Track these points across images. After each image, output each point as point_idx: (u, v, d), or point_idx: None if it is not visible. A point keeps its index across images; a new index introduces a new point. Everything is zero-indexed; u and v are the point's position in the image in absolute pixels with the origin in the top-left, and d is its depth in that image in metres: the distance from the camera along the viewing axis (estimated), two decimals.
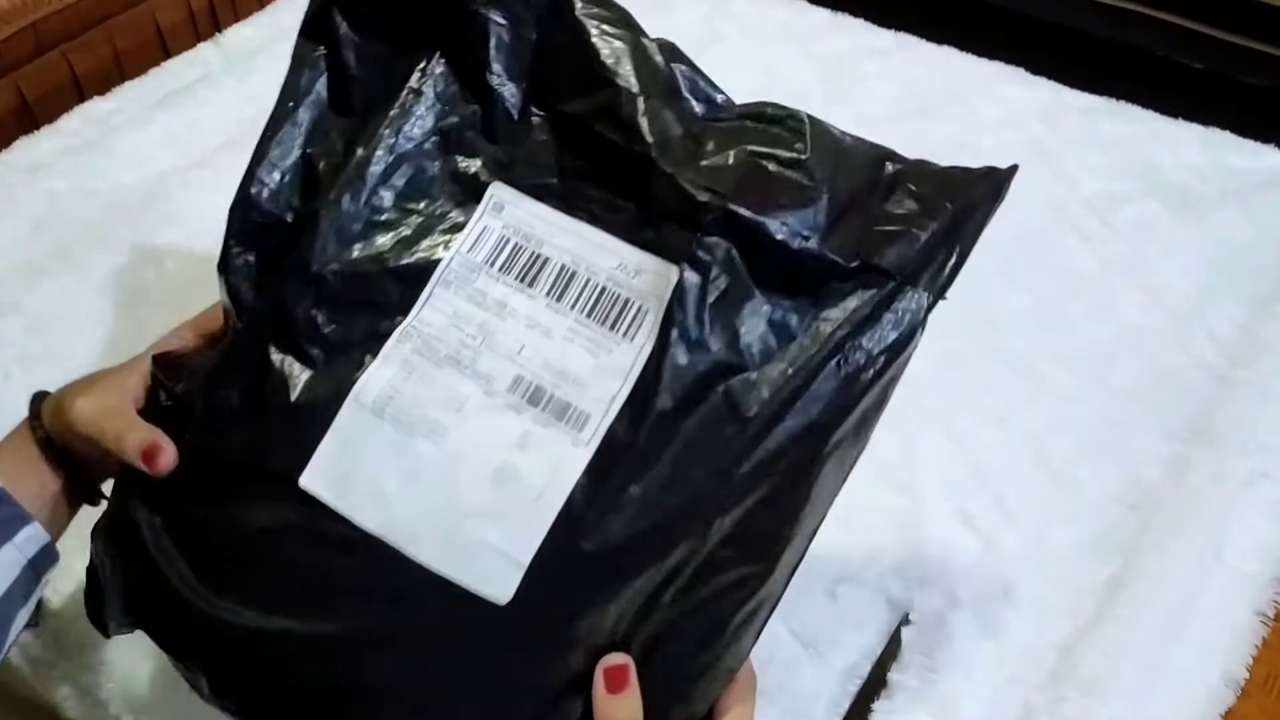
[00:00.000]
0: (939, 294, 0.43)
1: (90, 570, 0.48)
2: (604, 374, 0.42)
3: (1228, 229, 0.80)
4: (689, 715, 0.44)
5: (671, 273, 0.42)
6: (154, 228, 0.77)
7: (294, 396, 0.43)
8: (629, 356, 0.42)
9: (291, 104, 0.48)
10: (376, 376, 0.43)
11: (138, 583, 0.46)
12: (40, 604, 0.48)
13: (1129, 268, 0.77)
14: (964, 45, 0.95)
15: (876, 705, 0.56)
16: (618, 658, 0.42)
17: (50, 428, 0.48)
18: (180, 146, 0.83)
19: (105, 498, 0.50)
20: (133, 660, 0.56)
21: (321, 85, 0.48)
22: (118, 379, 0.48)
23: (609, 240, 0.44)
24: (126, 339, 0.70)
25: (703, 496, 0.41)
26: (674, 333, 0.42)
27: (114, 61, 0.93)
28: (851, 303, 0.42)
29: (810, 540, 0.45)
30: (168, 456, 0.45)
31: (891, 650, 0.58)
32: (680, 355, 0.41)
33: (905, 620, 0.58)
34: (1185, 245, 0.79)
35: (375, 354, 0.44)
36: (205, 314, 0.52)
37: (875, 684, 0.56)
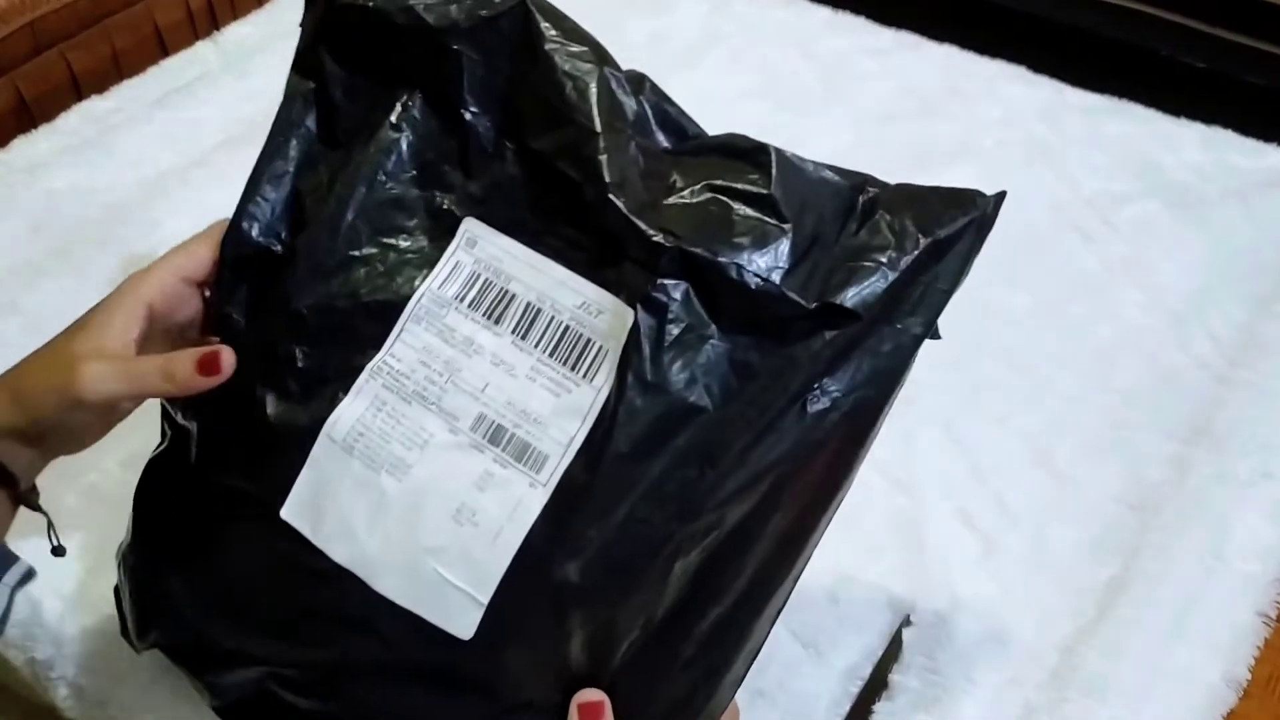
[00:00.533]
0: (925, 330, 0.43)
1: (115, 592, 0.51)
2: (563, 415, 0.42)
3: (1229, 229, 0.80)
4: None
5: (628, 315, 0.42)
6: (152, 227, 0.77)
7: (276, 430, 0.44)
8: (588, 398, 0.42)
9: (282, 138, 0.48)
10: (348, 412, 0.44)
11: (148, 605, 0.48)
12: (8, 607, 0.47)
13: (1130, 267, 0.77)
14: (965, 44, 0.94)
15: (877, 706, 0.56)
16: (593, 694, 0.42)
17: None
18: (179, 145, 0.83)
19: (34, 502, 0.49)
20: (132, 662, 0.56)
21: (312, 119, 0.48)
22: (106, 329, 0.46)
23: (573, 278, 0.44)
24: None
25: (662, 540, 0.41)
26: (630, 376, 0.41)
27: (112, 60, 0.92)
28: (816, 343, 0.41)
29: (794, 582, 0.45)
30: (226, 355, 0.44)
31: (892, 651, 0.58)
32: (636, 399, 0.41)
33: (906, 621, 0.58)
34: (1186, 245, 0.79)
35: (348, 389, 0.44)
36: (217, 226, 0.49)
37: (876, 685, 0.56)
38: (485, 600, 0.41)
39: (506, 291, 0.45)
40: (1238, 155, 0.85)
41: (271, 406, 0.45)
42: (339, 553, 0.43)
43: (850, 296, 0.41)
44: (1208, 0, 1.02)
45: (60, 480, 0.63)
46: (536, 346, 0.44)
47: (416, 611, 0.42)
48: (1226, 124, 0.87)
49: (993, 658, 0.57)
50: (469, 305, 0.45)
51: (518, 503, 0.42)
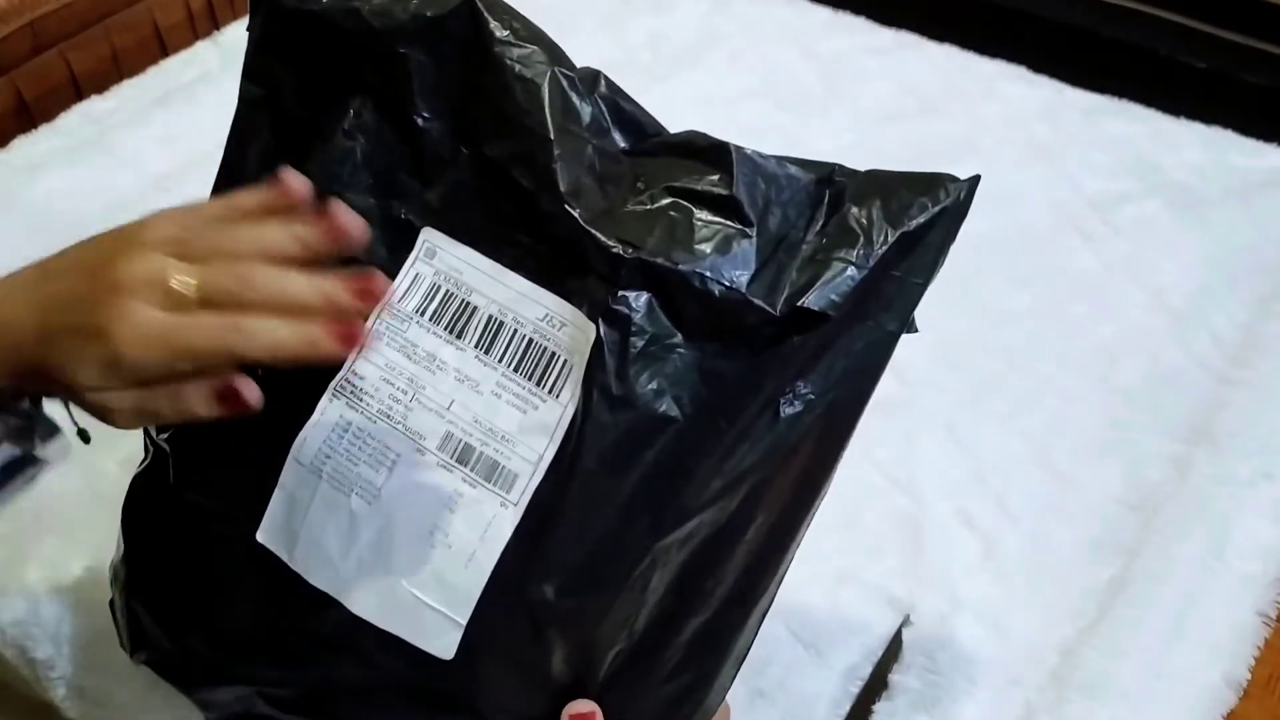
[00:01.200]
0: (900, 326, 0.42)
1: (110, 605, 0.51)
2: (531, 432, 0.41)
3: (1230, 228, 0.80)
4: None
5: (590, 328, 0.41)
6: None
7: (243, 453, 0.44)
8: (555, 414, 0.41)
9: (238, 147, 0.47)
10: (313, 434, 0.43)
11: (136, 622, 0.48)
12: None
13: (1130, 267, 0.77)
14: (965, 44, 0.94)
15: (877, 706, 0.55)
16: (584, 705, 0.42)
17: None
18: (178, 146, 0.83)
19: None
20: (132, 664, 0.56)
21: (266, 129, 0.46)
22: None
23: (534, 290, 0.42)
24: None
25: (639, 554, 0.41)
26: (595, 392, 0.40)
27: (112, 60, 0.92)
28: (786, 348, 0.40)
29: (778, 584, 0.44)
30: (250, 390, 0.39)
31: (893, 651, 0.57)
32: (603, 414, 0.40)
33: (906, 621, 0.58)
34: (1187, 245, 0.79)
35: (312, 410, 0.43)
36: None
37: (876, 685, 0.56)
38: (463, 621, 0.41)
39: (468, 304, 0.43)
40: (1238, 155, 0.85)
41: (243, 427, 0.42)
42: (316, 576, 0.42)
43: (818, 298, 0.40)
44: (1208, 0, 1.02)
45: (59, 481, 0.63)
46: (501, 361, 0.42)
47: (396, 633, 0.42)
48: (1227, 124, 0.87)
49: (993, 658, 0.57)
50: (430, 319, 0.43)
51: (489, 523, 0.41)
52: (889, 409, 0.68)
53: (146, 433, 0.48)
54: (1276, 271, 0.77)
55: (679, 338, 0.41)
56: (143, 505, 0.48)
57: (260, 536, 0.43)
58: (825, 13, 0.98)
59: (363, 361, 0.43)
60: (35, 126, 0.86)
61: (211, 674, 0.47)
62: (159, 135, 0.84)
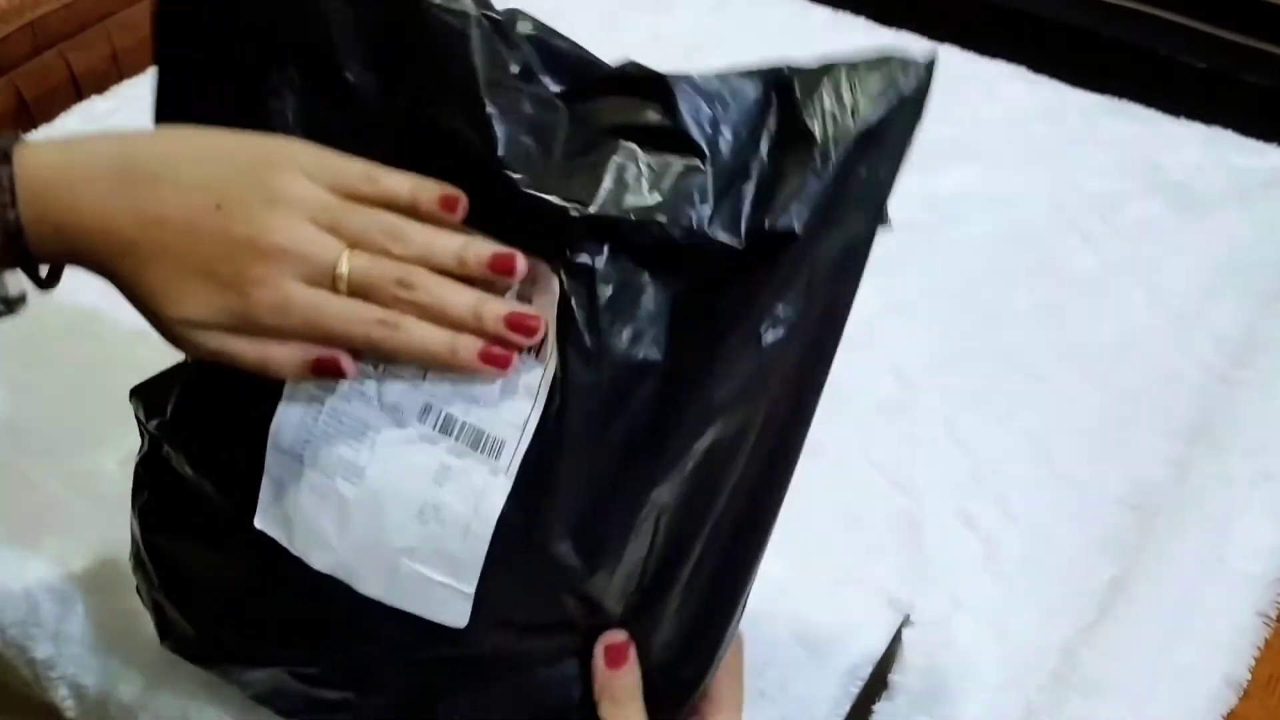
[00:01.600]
0: (873, 224, 0.40)
1: (137, 590, 0.51)
2: (512, 396, 0.40)
3: (1230, 228, 0.80)
4: (684, 687, 0.44)
5: (554, 285, 0.40)
6: None
7: (234, 438, 0.43)
8: (535, 375, 0.40)
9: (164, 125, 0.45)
10: (287, 418, 0.41)
11: (160, 612, 0.48)
12: None
13: (1131, 267, 0.77)
14: (965, 44, 0.94)
15: (878, 707, 0.55)
16: (617, 635, 0.42)
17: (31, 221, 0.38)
18: None
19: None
20: (132, 662, 0.56)
21: (190, 106, 0.44)
22: None
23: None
24: (125, 340, 0.69)
25: (638, 502, 0.40)
26: (570, 349, 0.39)
27: (112, 60, 0.92)
28: (758, 274, 0.39)
29: (777, 513, 0.43)
30: (349, 365, 0.39)
31: (893, 651, 0.57)
32: (581, 370, 0.39)
33: (906, 621, 0.58)
34: (1187, 245, 0.79)
35: (279, 393, 0.41)
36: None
37: (876, 685, 0.56)
38: (470, 589, 0.40)
39: None
40: (1238, 155, 0.85)
41: (223, 415, 0.43)
42: (317, 560, 0.42)
43: (783, 219, 0.39)
44: (1208, 0, 1.02)
45: (58, 481, 0.63)
46: None
47: (405, 609, 0.41)
48: (1227, 124, 0.87)
49: (993, 658, 0.57)
50: None
51: (480, 493, 0.40)
52: (889, 409, 0.68)
53: (138, 419, 0.48)
54: (1276, 271, 0.77)
55: (645, 277, 0.40)
56: (148, 493, 0.48)
57: (258, 523, 0.42)
58: (825, 13, 0.98)
59: None
60: (35, 126, 0.86)
61: (238, 658, 0.46)
62: None
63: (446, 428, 0.40)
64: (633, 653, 0.42)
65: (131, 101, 0.88)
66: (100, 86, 0.89)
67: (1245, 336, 0.72)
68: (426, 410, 0.40)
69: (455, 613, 0.41)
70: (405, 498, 0.40)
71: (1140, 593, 0.59)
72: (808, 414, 0.43)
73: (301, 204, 0.38)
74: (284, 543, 0.42)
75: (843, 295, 0.41)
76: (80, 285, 0.73)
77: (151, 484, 0.48)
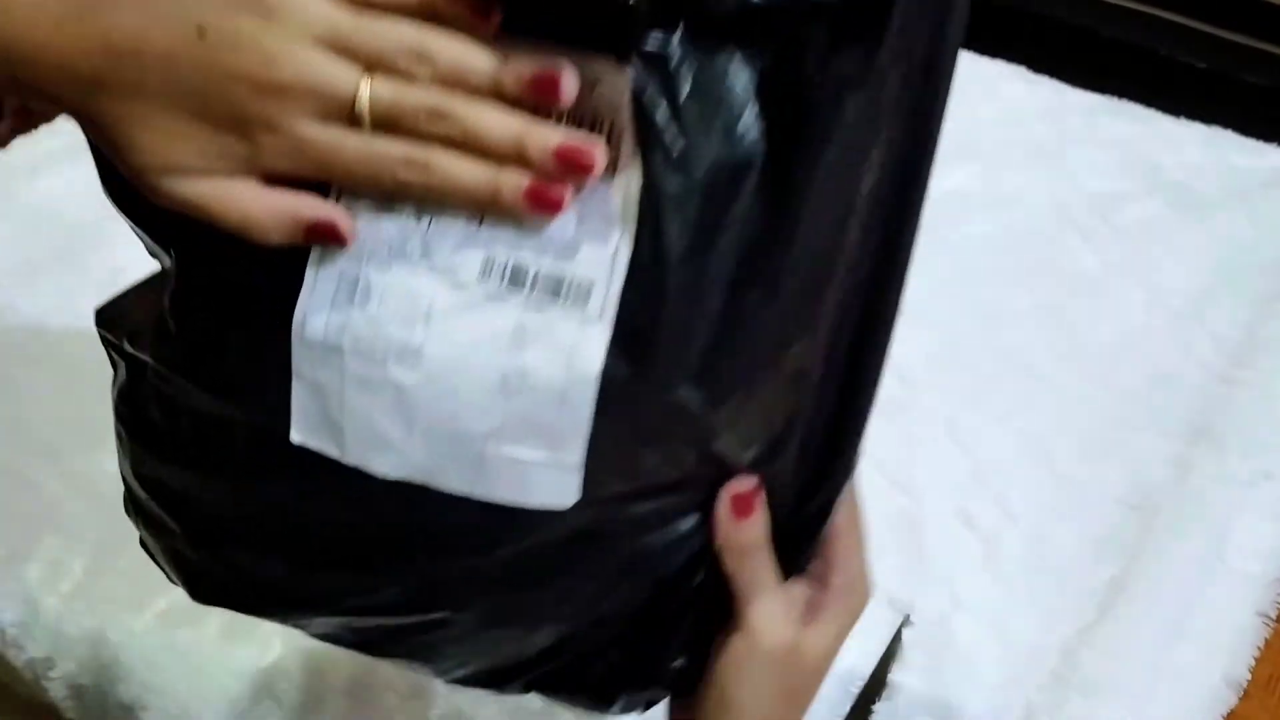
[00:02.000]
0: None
1: (142, 545, 0.44)
2: (593, 227, 0.33)
3: (1230, 228, 0.80)
4: (810, 525, 0.40)
5: (624, 83, 0.33)
6: None
7: (246, 344, 0.36)
8: (616, 198, 0.33)
9: None
10: (314, 302, 0.34)
11: (180, 560, 0.41)
12: None
13: (1131, 267, 0.77)
14: (965, 44, 0.94)
15: (878, 707, 0.55)
16: (744, 483, 0.37)
17: None
18: None
19: None
20: (130, 662, 0.56)
21: None
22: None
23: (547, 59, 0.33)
24: None
25: (756, 331, 0.34)
26: (653, 155, 0.33)
27: None
28: (848, 38, 0.33)
29: (893, 327, 0.38)
30: (346, 224, 0.33)
31: (893, 651, 0.57)
32: (669, 178, 0.33)
33: (906, 621, 0.58)
34: (1187, 245, 0.79)
35: (299, 273, 0.34)
36: None
37: (877, 685, 0.56)
38: (577, 461, 0.34)
39: None
40: (1238, 155, 0.85)
41: (223, 315, 0.36)
42: (381, 465, 0.35)
43: None
44: (1208, 0, 1.02)
45: (57, 481, 0.63)
46: None
47: (501, 500, 0.35)
48: (1227, 124, 0.87)
49: (993, 658, 0.57)
50: None
51: (572, 350, 0.33)
52: (889, 409, 0.68)
53: (109, 344, 0.42)
54: (1277, 271, 0.77)
55: (730, 58, 0.33)
56: (140, 431, 0.40)
57: (296, 437, 0.36)
58: None
59: (347, 198, 0.34)
60: (35, 126, 0.86)
61: (292, 600, 0.40)
62: None
63: (517, 280, 0.34)
64: (761, 500, 0.37)
65: None
66: None
67: (1245, 336, 0.72)
68: (488, 264, 0.34)
69: (561, 491, 0.35)
70: (479, 373, 0.34)
71: (1140, 593, 0.59)
72: (915, 208, 0.37)
73: (303, 21, 0.30)
74: (334, 454, 0.35)
75: (947, 47, 0.36)
76: (81, 290, 0.73)
77: (140, 420, 0.40)
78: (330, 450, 0.36)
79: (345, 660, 0.56)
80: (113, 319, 0.42)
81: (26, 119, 0.37)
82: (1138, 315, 0.74)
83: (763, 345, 0.35)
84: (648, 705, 0.43)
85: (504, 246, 0.33)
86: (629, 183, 0.33)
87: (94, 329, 0.76)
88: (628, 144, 0.33)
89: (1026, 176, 0.83)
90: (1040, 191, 0.82)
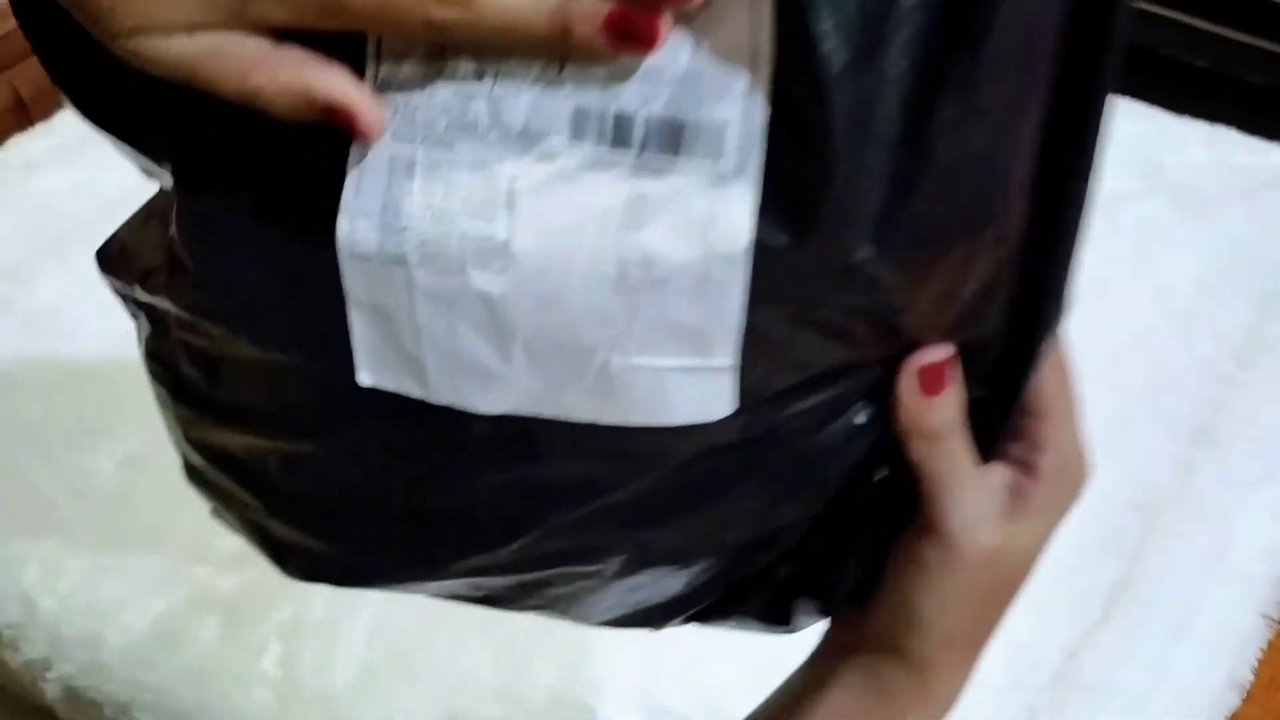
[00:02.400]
0: None
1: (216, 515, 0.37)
2: (717, 47, 0.25)
3: (1233, 228, 0.80)
4: (1005, 395, 0.32)
5: None
6: None
7: (279, 267, 0.29)
8: (741, 18, 0.25)
9: None
10: (361, 205, 0.27)
11: (261, 534, 0.34)
12: None
13: (1133, 266, 0.77)
14: None
15: None
16: (935, 353, 0.30)
17: None
18: None
19: None
20: (127, 663, 0.56)
21: None
22: None
23: None
24: (121, 339, 0.69)
25: (945, 159, 0.26)
26: None
27: None
28: None
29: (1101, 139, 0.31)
30: (373, 117, 0.26)
31: None
32: None
33: None
34: (1190, 244, 0.78)
35: (337, 174, 0.27)
36: None
37: None
38: (730, 360, 0.27)
39: None
40: (1241, 154, 0.84)
41: (241, 235, 0.28)
42: (479, 400, 0.28)
43: None
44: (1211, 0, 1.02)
45: (55, 481, 0.63)
46: None
47: (637, 422, 0.28)
48: (1230, 123, 0.86)
49: (995, 660, 0.56)
50: None
51: (708, 219, 0.26)
52: None
53: (121, 294, 0.35)
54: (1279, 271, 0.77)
55: None
56: (182, 390, 0.33)
57: (364, 379, 0.29)
58: None
59: (388, 64, 0.26)
60: (32, 125, 0.86)
61: (390, 571, 0.34)
62: None
63: (621, 137, 0.26)
64: (956, 372, 0.31)
65: None
66: None
67: (1248, 336, 0.72)
68: (580, 121, 0.26)
69: (712, 401, 0.28)
70: (587, 266, 0.26)
71: (1143, 594, 0.59)
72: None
73: None
74: (416, 393, 0.29)
75: None
76: (78, 288, 0.73)
77: (176, 378, 0.33)
78: (411, 389, 0.29)
79: (347, 658, 0.56)
80: (116, 260, 0.35)
81: None
82: (1140, 315, 0.74)
83: (961, 176, 0.27)
84: (824, 615, 0.36)
85: (598, 95, 0.26)
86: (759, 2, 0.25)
87: (88, 329, 0.75)
88: None
89: None
90: None
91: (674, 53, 0.25)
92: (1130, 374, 0.70)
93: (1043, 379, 0.33)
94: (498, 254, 0.27)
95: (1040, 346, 0.32)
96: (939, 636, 0.33)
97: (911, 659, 0.33)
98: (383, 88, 0.26)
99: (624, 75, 0.26)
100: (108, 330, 0.71)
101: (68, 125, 0.85)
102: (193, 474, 0.35)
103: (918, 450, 0.31)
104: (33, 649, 0.57)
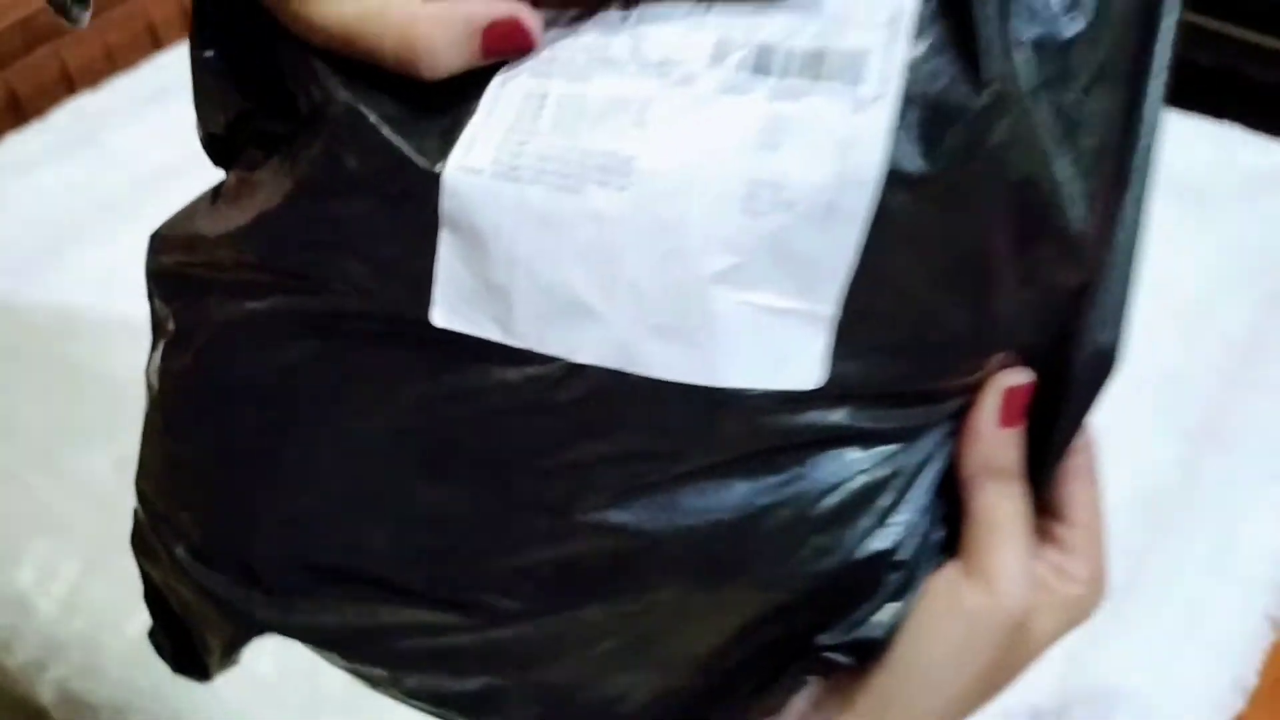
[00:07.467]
0: None
1: (151, 597, 0.35)
2: None
3: (1238, 227, 0.79)
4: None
5: None
6: (145, 225, 0.76)
7: (371, 198, 0.27)
8: None
9: None
10: (486, 129, 0.26)
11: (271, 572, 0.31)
12: None
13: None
14: None
15: None
16: (1021, 375, 0.29)
17: None
18: (171, 142, 0.82)
19: None
20: (124, 666, 0.56)
21: None
22: None
23: None
24: (119, 340, 0.69)
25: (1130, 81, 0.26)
26: None
27: (105, 57, 0.92)
28: None
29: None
30: (528, 19, 0.26)
31: None
32: None
33: None
34: (1195, 243, 0.78)
35: (472, 107, 0.26)
36: None
37: None
38: (831, 310, 0.25)
39: None
40: (1246, 152, 0.84)
41: (354, 148, 0.27)
42: (567, 342, 0.26)
43: None
44: None
45: (53, 481, 0.63)
46: None
47: (718, 383, 0.26)
48: (1235, 121, 0.86)
49: None
50: None
51: (845, 142, 0.25)
52: None
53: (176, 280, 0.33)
54: None
55: None
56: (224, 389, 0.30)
57: (438, 317, 0.26)
58: None
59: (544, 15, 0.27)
60: (27, 123, 0.85)
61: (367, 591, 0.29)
62: (151, 132, 0.83)
63: (762, 65, 0.26)
64: (1029, 406, 0.29)
65: (124, 98, 0.87)
66: (93, 82, 0.88)
67: (1253, 336, 0.72)
68: (723, 48, 0.26)
69: (805, 363, 0.26)
70: (715, 186, 0.25)
71: (1147, 596, 0.58)
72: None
73: None
74: (494, 335, 0.26)
75: None
76: (74, 287, 0.73)
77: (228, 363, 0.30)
78: (489, 330, 0.26)
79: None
80: (182, 243, 0.32)
81: None
82: (1144, 314, 0.73)
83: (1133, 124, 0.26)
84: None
85: (743, 28, 0.26)
86: None
87: (86, 330, 0.75)
88: None
89: None
90: None
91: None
92: (1133, 374, 0.70)
93: (1077, 485, 0.31)
94: (621, 170, 0.25)
95: (1090, 401, 0.31)
96: (946, 694, 0.30)
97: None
98: (517, 65, 0.26)
99: (769, 10, 0.26)
100: (105, 330, 0.71)
101: (63, 123, 0.85)
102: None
103: (984, 493, 0.29)
104: (28, 651, 0.57)
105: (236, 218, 0.29)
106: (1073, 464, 0.31)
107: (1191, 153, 0.84)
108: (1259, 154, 0.84)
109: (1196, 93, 0.91)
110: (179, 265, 0.32)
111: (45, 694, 0.57)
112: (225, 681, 0.56)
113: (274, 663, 0.56)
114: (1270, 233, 0.79)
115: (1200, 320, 0.73)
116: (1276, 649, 0.58)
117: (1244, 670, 0.56)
